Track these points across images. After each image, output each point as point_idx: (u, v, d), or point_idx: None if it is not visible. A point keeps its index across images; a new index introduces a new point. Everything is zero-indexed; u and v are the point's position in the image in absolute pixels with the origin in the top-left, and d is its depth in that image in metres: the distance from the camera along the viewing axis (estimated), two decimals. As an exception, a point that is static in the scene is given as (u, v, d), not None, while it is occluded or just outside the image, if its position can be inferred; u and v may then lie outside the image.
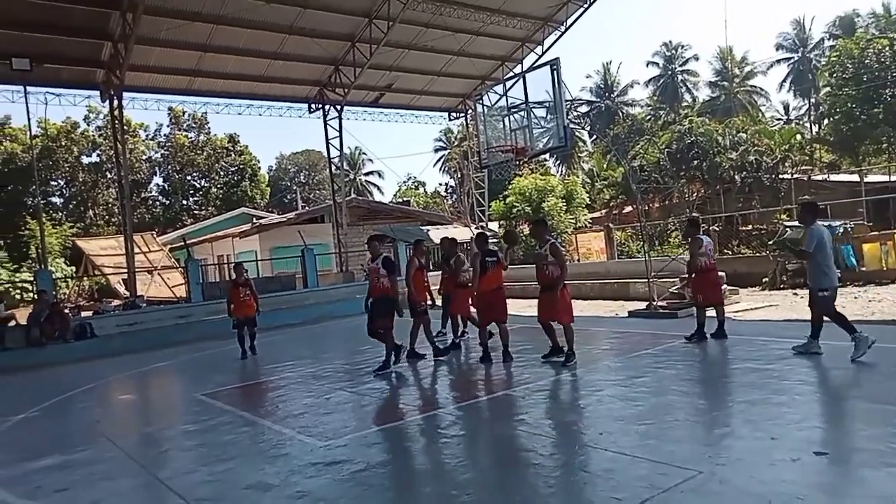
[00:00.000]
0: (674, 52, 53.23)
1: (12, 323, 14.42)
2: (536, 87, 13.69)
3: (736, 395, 6.01)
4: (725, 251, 18.69)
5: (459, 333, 10.16)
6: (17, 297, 26.43)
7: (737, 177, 23.06)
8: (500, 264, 8.44)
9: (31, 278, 22.13)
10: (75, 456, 6.12)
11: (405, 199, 49.74)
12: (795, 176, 23.97)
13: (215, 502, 4.64)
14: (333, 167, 26.00)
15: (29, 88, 17.67)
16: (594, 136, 49.66)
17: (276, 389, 8.44)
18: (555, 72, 12.91)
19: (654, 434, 4.90)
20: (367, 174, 61.40)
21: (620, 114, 50.11)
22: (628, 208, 27.32)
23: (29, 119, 18.22)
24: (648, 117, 47.87)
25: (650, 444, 4.69)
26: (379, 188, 61.72)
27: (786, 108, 51.71)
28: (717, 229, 19.42)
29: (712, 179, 23.91)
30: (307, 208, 38.48)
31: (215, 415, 7.05)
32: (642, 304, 13.07)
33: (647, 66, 54.30)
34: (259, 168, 53.76)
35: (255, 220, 31.90)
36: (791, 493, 3.60)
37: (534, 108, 13.25)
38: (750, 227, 21.99)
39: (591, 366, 7.96)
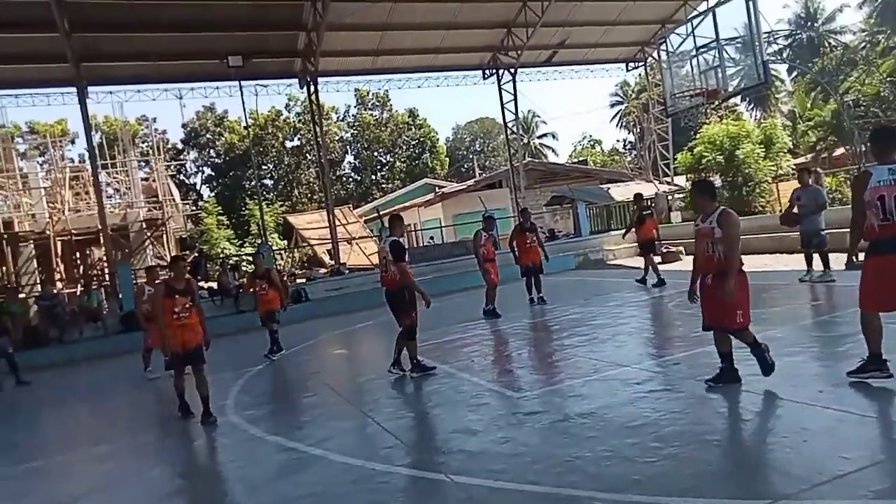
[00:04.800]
0: (897, -38, 45.19)
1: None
2: (725, 23, 12.59)
3: None
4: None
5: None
6: (244, 269, 30.39)
7: None
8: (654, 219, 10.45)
9: (254, 251, 25.26)
10: (305, 401, 7.04)
11: (581, 158, 48.53)
12: None
13: (426, 443, 5.08)
14: (509, 131, 26.14)
15: (241, 83, 19.98)
16: (794, 73, 44.21)
17: (471, 345, 8.85)
18: (749, 2, 11.73)
19: (879, 393, 4.41)
20: (540, 136, 60.80)
21: (827, 44, 43.94)
22: (840, 150, 24.15)
23: (245, 110, 20.65)
24: (863, 44, 41.41)
25: (876, 404, 4.25)
26: (554, 150, 60.89)
27: None
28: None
29: (952, 108, 20.26)
30: (484, 175, 39.20)
31: (418, 368, 7.57)
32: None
33: (862, -17, 46.73)
34: (437, 139, 55.76)
35: (437, 190, 33.28)
36: None
37: (725, 45, 12.19)
38: None
39: (801, 322, 7.31)
